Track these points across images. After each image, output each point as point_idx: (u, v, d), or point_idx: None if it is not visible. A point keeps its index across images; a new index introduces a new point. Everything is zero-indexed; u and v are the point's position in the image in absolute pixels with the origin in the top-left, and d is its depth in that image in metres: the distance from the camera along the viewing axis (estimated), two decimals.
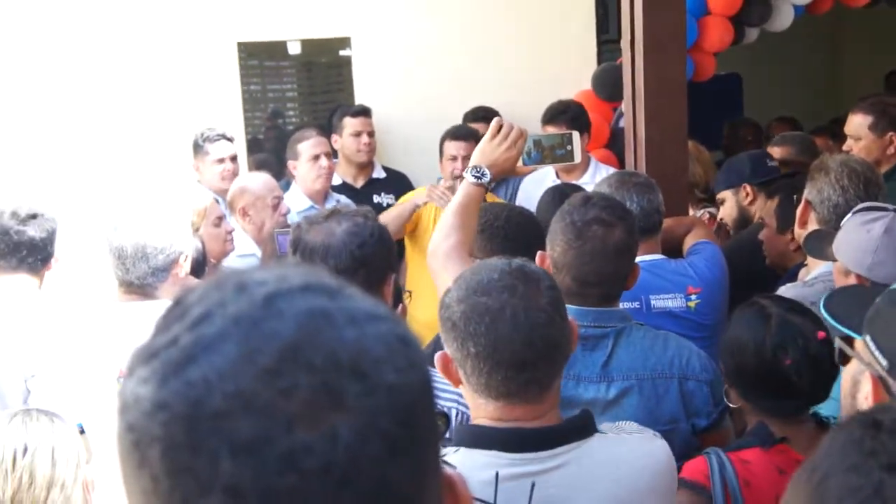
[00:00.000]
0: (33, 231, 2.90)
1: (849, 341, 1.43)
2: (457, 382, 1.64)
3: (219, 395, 0.60)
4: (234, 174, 4.31)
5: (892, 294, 1.36)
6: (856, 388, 1.38)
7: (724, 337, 2.13)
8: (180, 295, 0.68)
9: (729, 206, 3.62)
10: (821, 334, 1.94)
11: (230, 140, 4.43)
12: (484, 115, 4.73)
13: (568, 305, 2.10)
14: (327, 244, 1.99)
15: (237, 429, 0.59)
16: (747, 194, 3.52)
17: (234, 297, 0.65)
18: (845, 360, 1.43)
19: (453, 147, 4.35)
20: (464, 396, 1.86)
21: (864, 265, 2.23)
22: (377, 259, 2.04)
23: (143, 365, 0.64)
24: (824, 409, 2.02)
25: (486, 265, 1.63)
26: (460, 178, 4.05)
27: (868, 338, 1.35)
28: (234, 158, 4.40)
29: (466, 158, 4.25)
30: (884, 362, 1.30)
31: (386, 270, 2.08)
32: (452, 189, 4.03)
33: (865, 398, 1.35)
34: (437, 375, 1.98)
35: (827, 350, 1.92)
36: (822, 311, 1.63)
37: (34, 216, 2.92)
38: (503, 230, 2.65)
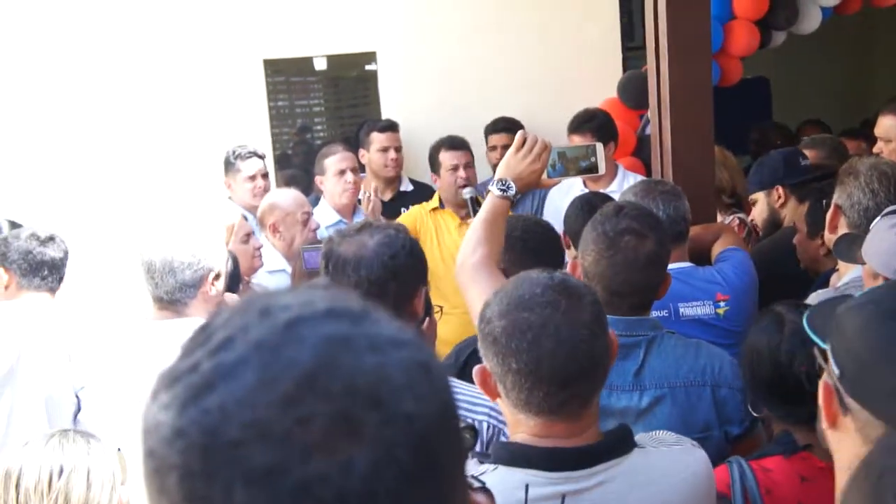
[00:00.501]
0: (53, 252, 3.03)
1: (824, 354, 1.40)
2: (494, 396, 1.63)
3: (235, 423, 0.60)
4: (266, 191, 4.34)
5: (850, 303, 1.32)
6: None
7: (743, 345, 2.11)
8: (208, 319, 0.68)
9: (760, 207, 3.59)
10: None
11: (261, 157, 4.48)
12: (504, 125, 4.74)
13: None
14: (359, 256, 2.00)
15: (252, 458, 0.59)
16: (779, 196, 3.48)
17: (256, 322, 0.65)
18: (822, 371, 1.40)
19: (453, 157, 4.32)
20: (502, 412, 1.86)
21: (891, 268, 2.20)
22: (409, 271, 2.04)
23: (165, 390, 0.64)
24: None
25: (528, 279, 1.61)
26: (464, 185, 4.11)
27: (829, 347, 1.31)
28: (265, 175, 4.45)
29: (466, 167, 4.27)
30: (836, 371, 1.27)
31: (417, 282, 2.08)
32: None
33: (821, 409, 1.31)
34: (469, 388, 1.99)
35: None
36: (804, 322, 1.60)
37: (52, 238, 3.04)
38: (521, 240, 2.67)
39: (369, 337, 0.65)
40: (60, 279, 3.08)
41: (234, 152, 4.42)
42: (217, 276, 2.55)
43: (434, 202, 4.40)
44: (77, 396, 2.86)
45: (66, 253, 3.10)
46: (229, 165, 4.43)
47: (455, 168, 4.30)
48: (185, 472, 0.60)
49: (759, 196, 3.60)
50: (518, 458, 1.58)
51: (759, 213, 3.60)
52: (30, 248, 3.03)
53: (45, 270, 3.03)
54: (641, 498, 1.57)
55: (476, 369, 1.65)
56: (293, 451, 0.59)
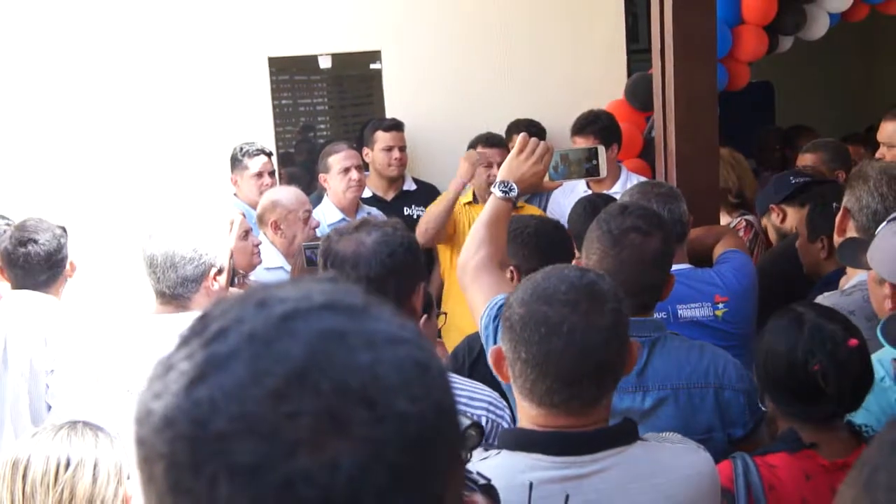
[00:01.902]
0: (36, 250, 3.11)
1: None
2: (506, 379, 1.65)
3: (224, 416, 0.59)
4: (272, 187, 4.36)
5: None
6: None
7: (759, 342, 2.11)
8: (207, 308, 0.68)
9: (770, 230, 3.62)
10: (853, 341, 1.92)
11: (268, 155, 4.51)
12: (525, 127, 4.73)
13: None
14: (357, 253, 2.00)
15: (238, 452, 0.58)
16: (777, 214, 3.50)
17: (252, 314, 0.64)
18: None
19: (487, 154, 4.36)
20: (502, 404, 1.86)
21: (894, 274, 2.20)
22: (407, 268, 2.04)
23: (158, 379, 0.64)
24: (858, 417, 2.00)
25: (559, 273, 1.62)
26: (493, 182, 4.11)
27: None
28: (272, 173, 4.49)
29: (500, 165, 4.28)
30: None
31: (416, 279, 2.08)
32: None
33: None
34: (468, 384, 1.98)
35: (858, 357, 1.90)
36: (879, 335, 1.60)
37: (33, 239, 3.12)
38: (533, 238, 2.68)
39: (366, 333, 0.64)
40: (55, 274, 3.14)
41: (241, 149, 4.45)
42: (220, 272, 2.55)
43: (468, 196, 4.42)
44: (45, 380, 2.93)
45: (55, 247, 3.15)
46: (236, 162, 4.46)
47: (489, 165, 4.34)
48: (172, 462, 0.60)
49: (765, 221, 3.63)
50: (522, 443, 1.60)
51: (771, 236, 3.63)
52: (9, 252, 3.16)
53: (31, 269, 3.10)
54: (642, 489, 1.58)
55: (492, 349, 1.67)
56: (279, 447, 0.58)
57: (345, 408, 0.59)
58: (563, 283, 1.59)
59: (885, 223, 2.33)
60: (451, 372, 2.39)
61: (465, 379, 2.03)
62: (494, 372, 1.68)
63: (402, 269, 2.02)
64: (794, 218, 3.42)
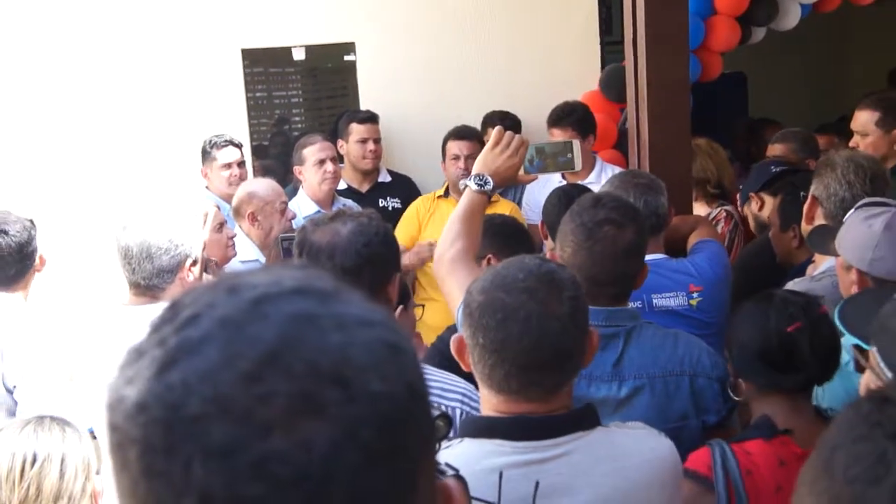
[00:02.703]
0: (7, 241, 2.95)
1: (863, 351, 1.42)
2: (468, 367, 1.67)
3: (197, 399, 0.59)
4: (241, 179, 4.35)
5: None
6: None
7: (730, 325, 2.15)
8: (178, 296, 0.68)
9: (750, 219, 3.64)
10: (823, 308, 1.97)
11: (238, 146, 4.49)
12: (500, 119, 4.74)
13: None
14: (333, 244, 2.00)
15: (212, 433, 0.58)
16: (757, 202, 3.53)
17: (223, 300, 0.65)
18: (861, 367, 1.42)
19: (456, 147, 4.38)
20: (475, 396, 1.88)
21: (864, 261, 2.23)
22: (382, 258, 2.05)
23: (130, 365, 0.64)
24: (825, 401, 2.03)
25: (519, 262, 1.64)
26: (463, 176, 4.13)
27: (875, 349, 1.33)
28: (240, 164, 4.46)
29: (469, 158, 4.29)
30: (889, 374, 1.29)
31: (391, 269, 2.09)
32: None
33: None
34: (442, 375, 1.99)
35: (828, 322, 1.96)
36: (836, 319, 1.63)
37: (3, 230, 2.97)
38: (501, 227, 2.74)
39: (337, 315, 0.64)
40: (20, 270, 3.02)
41: (210, 141, 4.45)
42: (195, 262, 2.55)
43: (442, 189, 4.43)
44: (11, 397, 2.82)
45: (18, 243, 3.02)
46: (206, 154, 4.46)
47: (457, 157, 4.36)
48: (146, 446, 0.60)
49: (746, 210, 3.65)
50: (483, 430, 1.62)
51: (752, 225, 3.65)
52: None
53: None
54: (604, 472, 1.60)
55: (454, 338, 1.69)
56: (253, 428, 0.58)
57: (317, 388, 0.60)
58: (521, 272, 1.61)
59: (853, 210, 2.36)
60: (438, 364, 2.40)
61: (440, 371, 2.04)
62: (457, 359, 1.69)
63: (377, 259, 2.03)
64: (769, 208, 3.45)
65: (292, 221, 3.85)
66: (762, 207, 3.53)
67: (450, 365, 2.19)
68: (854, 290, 2.25)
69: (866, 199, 2.43)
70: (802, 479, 0.86)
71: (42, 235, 3.16)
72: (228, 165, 4.41)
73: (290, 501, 0.58)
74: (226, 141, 4.44)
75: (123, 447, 0.61)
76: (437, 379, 2.00)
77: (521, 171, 2.51)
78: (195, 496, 0.58)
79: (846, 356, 2.01)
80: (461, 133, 4.47)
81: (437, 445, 1.39)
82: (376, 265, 2.02)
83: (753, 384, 2.07)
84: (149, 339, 0.65)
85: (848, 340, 1.84)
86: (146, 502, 0.60)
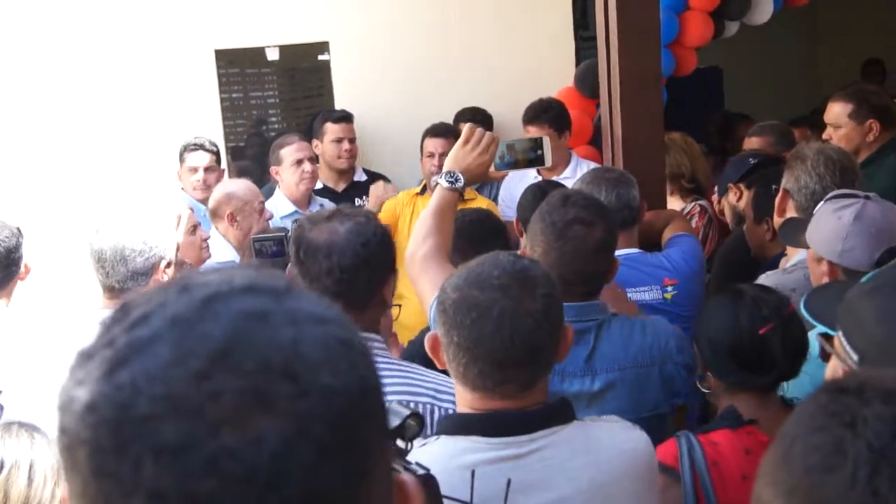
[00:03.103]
0: None
1: (828, 338, 1.43)
2: (442, 364, 1.67)
3: (146, 398, 0.59)
4: (207, 185, 4.36)
5: (862, 287, 1.34)
6: None
7: (699, 319, 2.16)
8: (128, 299, 0.68)
9: (727, 210, 3.64)
10: (792, 306, 1.98)
11: (210, 151, 4.48)
12: (471, 115, 4.74)
13: None
14: (331, 242, 1.98)
15: (162, 432, 0.58)
16: (735, 193, 3.54)
17: (174, 299, 0.65)
18: (826, 356, 1.43)
19: (431, 144, 4.39)
20: (445, 392, 1.88)
21: (834, 252, 2.24)
22: (379, 258, 2.03)
23: (80, 366, 0.64)
24: (792, 391, 2.04)
25: (493, 259, 1.64)
26: (437, 173, 4.12)
27: (840, 333, 1.34)
28: (208, 169, 4.46)
29: (444, 155, 4.28)
30: (854, 357, 1.30)
31: (387, 271, 2.07)
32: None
33: None
34: (416, 375, 1.99)
35: (798, 321, 1.97)
36: (802, 308, 1.64)
37: None
38: (458, 230, 2.70)
39: (288, 312, 0.64)
40: (7, 275, 3.00)
41: (185, 144, 4.48)
42: (169, 265, 2.53)
43: (419, 187, 4.43)
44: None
45: (13, 247, 3.00)
46: (180, 156, 4.49)
47: (432, 155, 4.37)
48: (96, 446, 0.60)
49: (724, 202, 3.65)
50: (459, 426, 1.62)
51: (728, 216, 3.65)
52: None
53: None
54: (580, 466, 1.60)
55: (428, 335, 1.69)
56: (203, 426, 0.58)
57: (268, 384, 0.60)
58: (495, 269, 1.60)
59: (822, 202, 2.37)
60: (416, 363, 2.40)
61: (410, 365, 2.05)
62: (431, 357, 1.69)
63: (375, 259, 2.01)
64: (745, 199, 3.47)
65: (269, 222, 3.84)
66: (741, 198, 3.54)
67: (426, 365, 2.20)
68: (825, 281, 2.26)
69: (836, 191, 2.44)
70: (762, 471, 0.86)
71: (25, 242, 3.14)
72: (194, 169, 4.43)
73: (242, 498, 0.58)
74: (195, 145, 4.46)
75: (73, 448, 0.61)
76: (411, 377, 1.99)
77: (492, 168, 2.52)
78: (144, 495, 0.58)
79: (817, 347, 2.02)
80: (437, 130, 4.48)
81: (410, 444, 1.39)
82: (373, 266, 2.01)
83: (722, 382, 2.08)
84: (98, 339, 0.65)
85: (814, 332, 1.85)
86: (96, 502, 0.60)
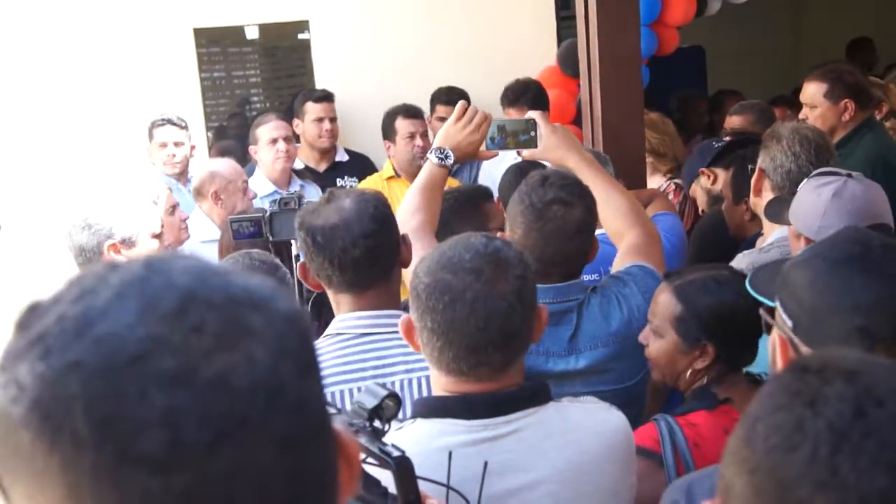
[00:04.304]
0: None
1: (771, 312, 1.46)
2: (417, 347, 1.67)
3: (132, 341, 0.61)
4: (179, 160, 4.35)
5: (796, 259, 1.40)
6: (775, 353, 1.40)
7: (707, 299, 2.05)
8: (29, 304, 0.66)
9: (699, 195, 3.64)
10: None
11: (178, 125, 4.42)
12: (455, 98, 4.70)
13: None
14: (345, 218, 1.99)
15: (159, 365, 0.60)
16: (708, 177, 3.55)
17: (110, 272, 0.65)
18: (769, 328, 1.46)
19: (410, 125, 4.35)
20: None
21: (812, 228, 2.26)
22: (392, 220, 2.08)
23: (28, 350, 0.62)
24: (755, 368, 2.06)
25: (465, 242, 1.62)
26: (422, 155, 4.11)
27: (778, 303, 1.38)
28: (178, 144, 4.40)
29: (423, 135, 4.28)
30: (789, 323, 1.34)
31: (397, 232, 2.10)
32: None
33: (777, 361, 1.38)
34: (381, 346, 1.99)
35: None
36: (748, 285, 1.66)
37: None
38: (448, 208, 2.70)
39: (223, 268, 0.69)
40: None
41: (153, 121, 4.41)
42: (116, 245, 2.53)
43: (388, 170, 4.40)
44: None
45: None
46: (149, 133, 4.42)
47: (412, 136, 4.32)
48: (90, 398, 0.59)
49: (696, 188, 3.65)
50: (435, 409, 1.62)
51: (701, 200, 3.65)
52: None
53: None
54: (557, 447, 1.61)
55: (402, 319, 1.68)
56: (195, 354, 0.61)
57: (241, 314, 0.64)
58: (467, 252, 1.59)
59: (806, 180, 2.39)
60: None
61: (377, 338, 2.04)
62: (406, 340, 1.69)
63: (389, 220, 2.06)
64: (721, 181, 3.48)
65: (252, 201, 3.83)
66: (715, 181, 3.56)
67: None
68: None
69: (822, 169, 2.45)
70: (727, 449, 0.87)
71: None
72: (164, 144, 4.37)
73: (252, 410, 0.62)
74: (163, 119, 4.40)
75: (56, 416, 0.59)
76: (376, 349, 1.99)
77: (483, 147, 2.51)
78: (158, 426, 0.59)
79: None
80: (412, 111, 4.44)
81: (387, 425, 1.40)
82: (391, 226, 2.06)
83: (726, 364, 2.04)
84: (29, 331, 0.63)
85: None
86: (99, 456, 0.59)
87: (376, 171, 4.64)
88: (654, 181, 3.89)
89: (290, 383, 0.64)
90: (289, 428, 0.64)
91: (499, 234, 2.20)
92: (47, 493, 0.61)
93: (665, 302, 2.08)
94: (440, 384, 1.64)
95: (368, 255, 1.98)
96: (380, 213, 2.01)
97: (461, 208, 2.81)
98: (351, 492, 0.73)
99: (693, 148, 3.85)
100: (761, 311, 1.50)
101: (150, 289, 0.63)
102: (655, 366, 2.12)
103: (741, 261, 2.62)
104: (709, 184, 3.55)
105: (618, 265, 2.39)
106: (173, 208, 3.36)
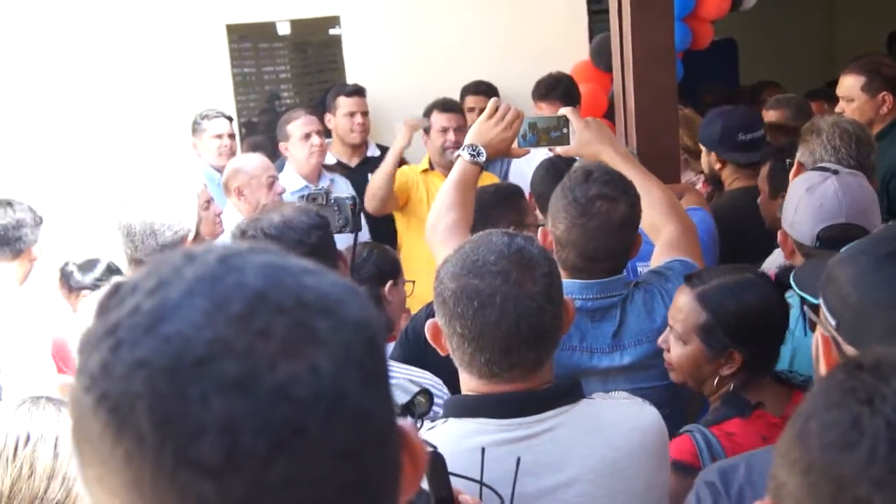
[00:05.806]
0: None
1: (816, 309, 1.44)
2: (444, 351, 1.65)
3: (198, 343, 0.61)
4: (232, 151, 4.45)
5: (840, 255, 1.37)
6: (818, 351, 1.38)
7: (734, 306, 2.00)
8: (114, 285, 0.68)
9: (704, 160, 3.62)
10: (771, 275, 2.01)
11: (229, 119, 4.56)
12: (484, 89, 4.72)
13: (573, 280, 2.13)
14: (283, 222, 2.08)
15: (222, 370, 0.61)
16: (716, 160, 3.50)
17: (186, 264, 0.66)
18: (814, 326, 1.44)
19: (444, 119, 4.34)
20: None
21: (787, 222, 2.25)
22: (325, 223, 2.17)
23: (102, 340, 0.63)
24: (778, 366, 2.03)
25: (487, 242, 1.60)
26: (452, 149, 4.11)
27: (821, 300, 1.36)
28: (231, 136, 4.53)
29: (457, 130, 4.27)
30: (832, 322, 1.31)
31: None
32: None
33: (820, 360, 1.36)
34: (408, 372, 2.00)
35: None
36: (791, 281, 1.64)
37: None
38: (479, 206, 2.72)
39: (299, 264, 0.69)
40: (14, 251, 3.06)
41: (201, 114, 4.52)
42: (192, 238, 2.61)
43: (424, 163, 4.41)
44: None
45: (15, 222, 3.07)
46: (196, 126, 4.52)
47: (445, 130, 4.31)
48: (154, 398, 0.60)
49: (705, 158, 3.62)
50: (468, 409, 1.61)
51: (703, 164, 3.63)
52: None
53: None
54: (591, 444, 1.59)
55: (429, 323, 1.67)
56: (259, 361, 0.61)
57: (309, 319, 0.64)
58: (491, 253, 1.57)
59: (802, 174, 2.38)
60: (406, 350, 2.41)
61: (402, 365, 2.08)
62: (433, 345, 1.67)
63: (323, 224, 2.12)
64: (729, 174, 3.46)
65: (281, 196, 3.83)
66: (722, 168, 3.50)
67: (419, 351, 2.21)
68: (786, 252, 2.29)
69: (819, 164, 2.43)
70: (777, 451, 0.85)
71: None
72: (219, 136, 4.49)
73: (312, 419, 0.62)
74: (217, 112, 4.53)
75: (121, 410, 0.61)
76: (404, 372, 2.01)
77: (515, 145, 2.50)
78: (217, 430, 0.60)
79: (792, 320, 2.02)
80: (448, 105, 4.44)
81: (420, 422, 1.39)
82: (324, 231, 2.14)
83: (755, 373, 2.00)
84: (105, 317, 0.64)
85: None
86: (159, 453, 0.60)
87: (406, 164, 4.64)
88: (686, 177, 3.86)
89: (353, 393, 0.64)
90: (348, 438, 0.64)
91: (540, 229, 2.19)
92: (115, 479, 0.62)
93: (689, 309, 2.02)
94: (471, 387, 1.63)
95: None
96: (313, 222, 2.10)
97: (500, 202, 2.80)
98: (413, 490, 0.73)
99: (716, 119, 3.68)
100: (805, 309, 1.48)
101: (221, 287, 0.64)
102: (678, 371, 2.07)
103: (773, 262, 2.59)
104: (714, 165, 3.51)
105: (657, 260, 2.37)
106: (208, 203, 3.39)
